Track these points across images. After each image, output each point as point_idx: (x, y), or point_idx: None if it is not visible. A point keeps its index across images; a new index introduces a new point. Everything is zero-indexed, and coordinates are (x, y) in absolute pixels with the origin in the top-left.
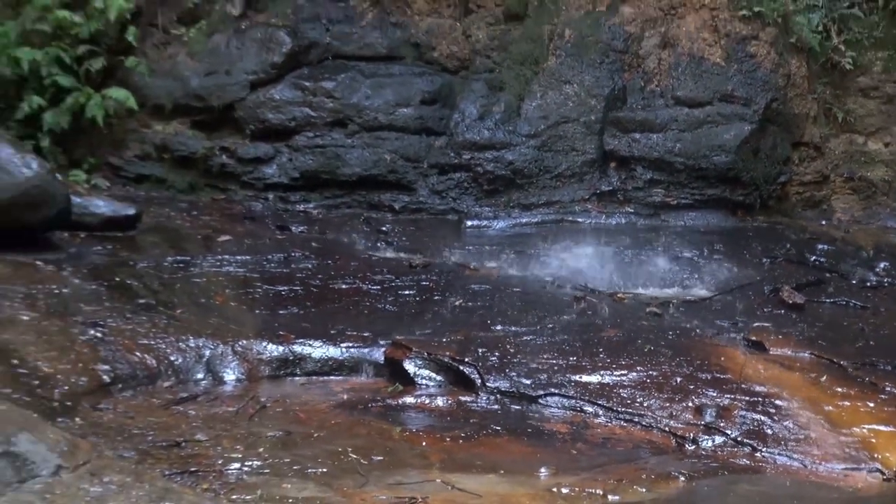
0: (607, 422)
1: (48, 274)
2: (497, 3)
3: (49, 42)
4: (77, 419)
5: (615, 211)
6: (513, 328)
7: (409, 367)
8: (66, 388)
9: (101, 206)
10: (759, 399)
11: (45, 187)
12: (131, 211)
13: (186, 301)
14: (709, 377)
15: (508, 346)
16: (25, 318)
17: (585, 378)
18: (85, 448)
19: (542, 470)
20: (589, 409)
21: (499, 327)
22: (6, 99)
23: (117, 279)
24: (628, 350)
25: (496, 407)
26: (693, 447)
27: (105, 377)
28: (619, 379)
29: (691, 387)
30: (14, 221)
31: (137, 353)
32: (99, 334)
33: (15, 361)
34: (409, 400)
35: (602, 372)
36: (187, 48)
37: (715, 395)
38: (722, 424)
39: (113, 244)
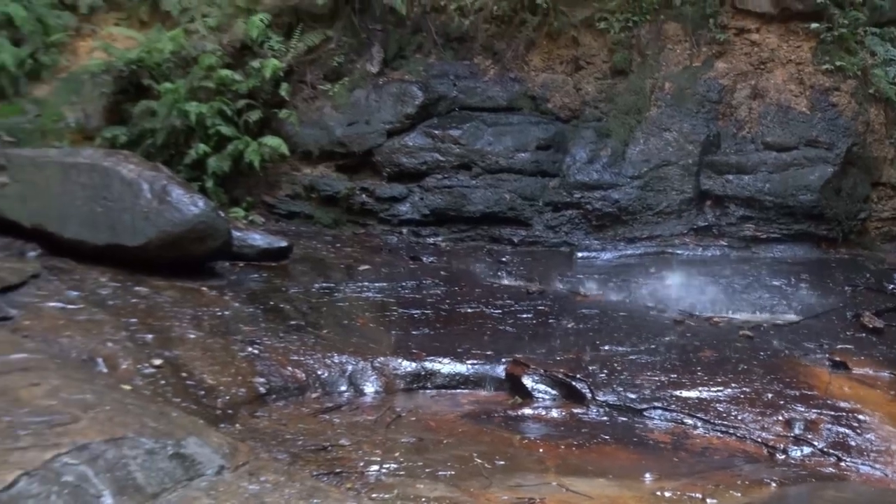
0: (705, 433)
1: (212, 298)
2: (604, 60)
3: (213, 97)
4: (237, 425)
5: (710, 244)
6: (619, 348)
7: (527, 382)
8: (228, 397)
9: (258, 239)
10: (843, 414)
11: (210, 223)
12: (283, 243)
13: (331, 322)
14: (797, 393)
15: (615, 364)
16: (193, 336)
17: (685, 393)
18: (244, 451)
19: (647, 475)
20: (688, 421)
21: (607, 347)
22: (177, 146)
23: (271, 303)
24: (723, 368)
25: (605, 418)
26: (783, 456)
27: (261, 388)
28: (715, 394)
29: (781, 402)
30: (183, 252)
31: (289, 368)
32: (256, 351)
33: (184, 374)
34: (528, 411)
35: (700, 388)
36: (332, 101)
37: (802, 409)
38: (809, 436)
39: (267, 272)
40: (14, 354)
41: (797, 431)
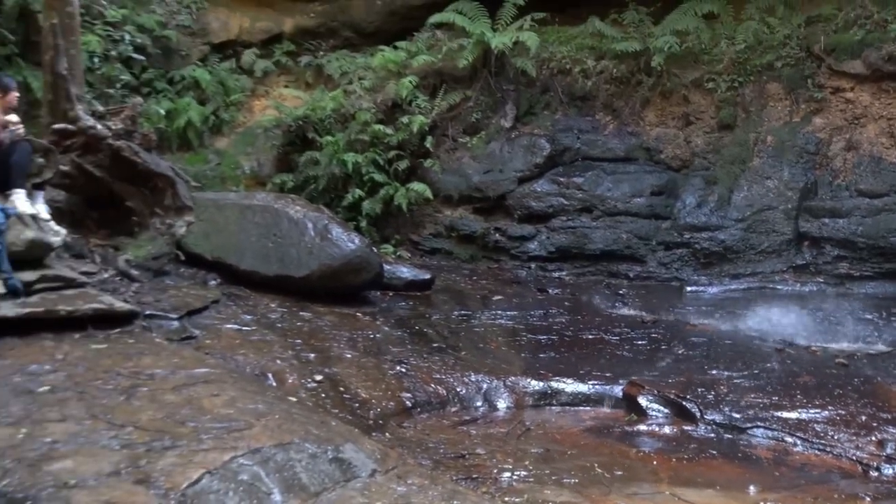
0: (804, 450)
1: (366, 323)
2: (712, 116)
3: (368, 148)
4: (387, 434)
5: (808, 281)
6: (725, 372)
7: (643, 401)
8: (379, 410)
9: (405, 272)
10: None
11: (364, 257)
12: (427, 276)
13: (469, 345)
14: (889, 416)
15: (722, 387)
16: (349, 355)
17: (785, 414)
18: (393, 456)
19: (751, 488)
20: (789, 439)
21: (714, 371)
22: (336, 191)
23: (417, 328)
24: (820, 392)
25: (712, 435)
26: (876, 474)
27: (408, 402)
28: (813, 415)
29: (874, 424)
30: (341, 282)
31: (432, 385)
32: (403, 370)
33: (341, 389)
34: (642, 427)
35: (799, 409)
36: (470, 152)
37: (894, 431)
38: None
39: (413, 301)
40: (198, 369)
41: (889, 451)
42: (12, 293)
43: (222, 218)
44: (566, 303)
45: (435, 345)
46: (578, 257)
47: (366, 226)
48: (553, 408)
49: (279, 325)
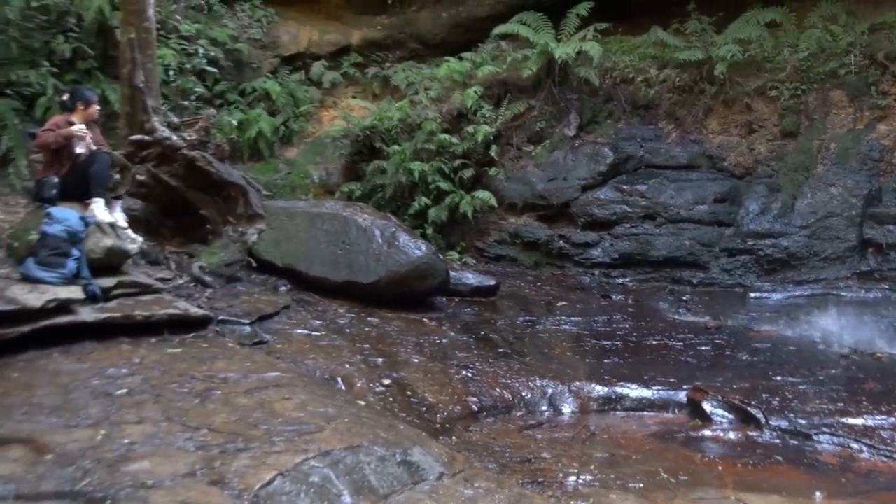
0: (870, 457)
1: (432, 328)
2: (775, 124)
3: (434, 157)
4: (453, 438)
5: (872, 287)
6: (790, 378)
7: (707, 406)
8: (446, 414)
9: (471, 278)
10: None
11: (431, 264)
12: (492, 282)
13: (534, 351)
14: None
15: (786, 393)
16: (416, 360)
17: (851, 420)
18: (460, 460)
19: (817, 493)
20: (854, 445)
21: (778, 378)
22: (403, 199)
23: (482, 333)
24: (887, 399)
25: (777, 441)
26: None
27: (474, 407)
28: (879, 422)
29: None
30: (408, 288)
31: (497, 390)
32: (469, 374)
33: (409, 393)
34: (707, 433)
35: (865, 416)
36: (534, 161)
37: None
38: None
39: (478, 307)
40: (269, 373)
41: None
42: (91, 299)
43: (292, 226)
44: (630, 309)
45: (500, 350)
46: (642, 264)
47: (432, 233)
48: (617, 413)
49: (348, 331)
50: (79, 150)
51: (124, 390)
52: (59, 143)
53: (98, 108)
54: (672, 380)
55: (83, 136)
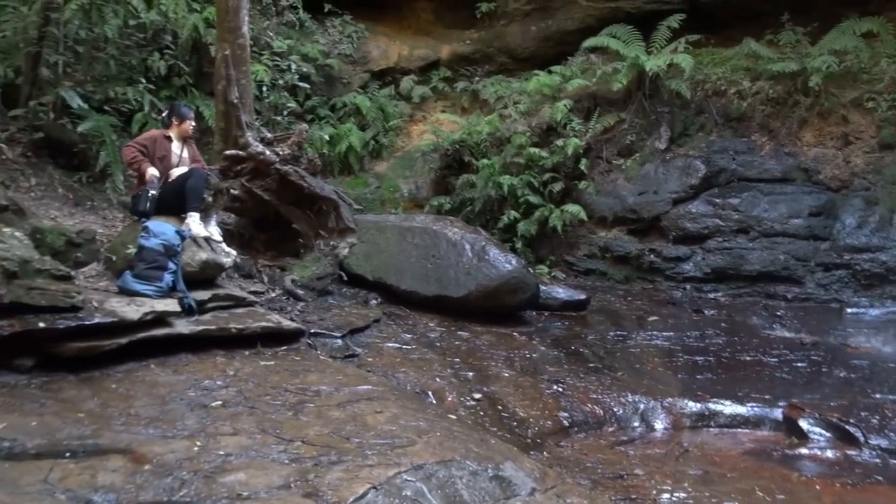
0: None
1: (522, 342)
2: (872, 136)
3: (523, 171)
4: (545, 453)
5: None
6: (889, 396)
7: (803, 424)
8: (536, 428)
9: (560, 292)
10: None
11: (521, 278)
12: (582, 296)
13: (625, 366)
14: None
15: (887, 411)
16: (506, 374)
17: None
18: (552, 475)
19: None
20: None
21: (878, 395)
22: (492, 213)
23: (572, 348)
24: None
25: (877, 461)
26: None
27: (565, 422)
28: None
29: None
30: (498, 302)
31: (588, 405)
32: (560, 389)
33: (499, 407)
34: (803, 451)
35: None
36: (625, 174)
37: None
38: None
39: (568, 321)
40: (361, 386)
41: None
42: (187, 311)
43: (383, 239)
44: (722, 324)
45: (591, 365)
46: (734, 278)
47: (521, 247)
48: (711, 429)
49: (438, 344)
50: (176, 171)
51: (219, 402)
52: (130, 165)
53: (193, 124)
54: (767, 396)
55: (152, 179)
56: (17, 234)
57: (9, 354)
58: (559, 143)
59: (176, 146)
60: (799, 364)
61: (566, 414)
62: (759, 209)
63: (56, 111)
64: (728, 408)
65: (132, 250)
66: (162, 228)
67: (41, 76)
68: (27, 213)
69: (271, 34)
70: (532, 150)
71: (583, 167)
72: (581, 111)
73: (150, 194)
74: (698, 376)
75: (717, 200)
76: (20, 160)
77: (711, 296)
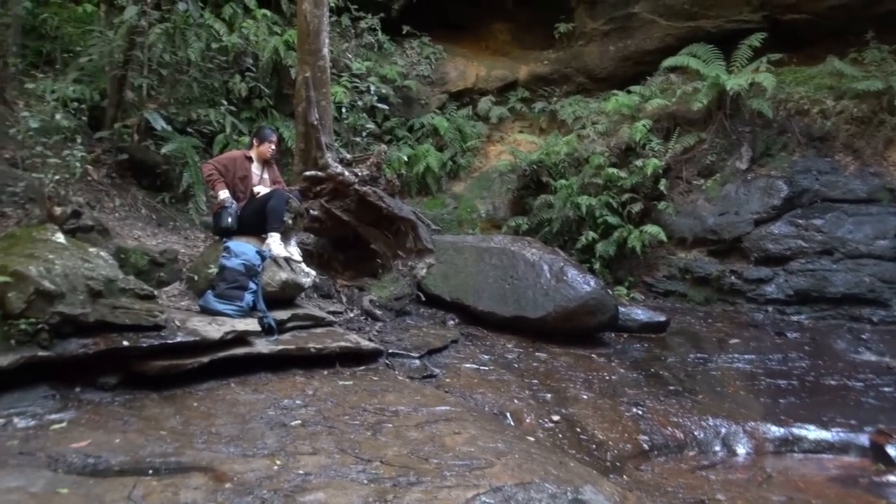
0: None
1: (600, 364)
2: None
3: (601, 191)
4: (624, 476)
5: None
6: None
7: (891, 450)
8: (616, 452)
9: (640, 314)
10: None
11: (600, 299)
12: (662, 318)
13: (705, 389)
14: None
15: None
16: (585, 397)
17: None
18: (632, 499)
19: None
20: None
21: None
22: (570, 233)
23: (652, 370)
24: None
25: None
26: None
27: (644, 445)
28: None
29: None
30: (576, 324)
31: (669, 428)
32: (639, 412)
33: (578, 430)
34: (891, 478)
35: None
36: (705, 195)
37: None
38: None
39: (647, 343)
40: (439, 406)
41: None
42: (267, 331)
43: (461, 260)
44: (806, 347)
45: (671, 387)
46: (818, 301)
47: (599, 268)
48: (795, 455)
49: (516, 366)
50: (257, 188)
51: (298, 421)
52: (206, 181)
53: (272, 147)
54: (853, 422)
55: (223, 202)
56: (102, 253)
57: (94, 372)
58: (638, 163)
59: (256, 167)
60: (885, 389)
61: (646, 437)
62: (844, 230)
63: (140, 133)
64: (812, 433)
65: (214, 270)
66: (243, 249)
67: (126, 99)
68: (112, 233)
69: (350, 56)
70: (611, 170)
71: (662, 187)
72: (660, 131)
73: (233, 209)
74: (781, 400)
75: (800, 221)
76: (105, 181)
77: (794, 318)
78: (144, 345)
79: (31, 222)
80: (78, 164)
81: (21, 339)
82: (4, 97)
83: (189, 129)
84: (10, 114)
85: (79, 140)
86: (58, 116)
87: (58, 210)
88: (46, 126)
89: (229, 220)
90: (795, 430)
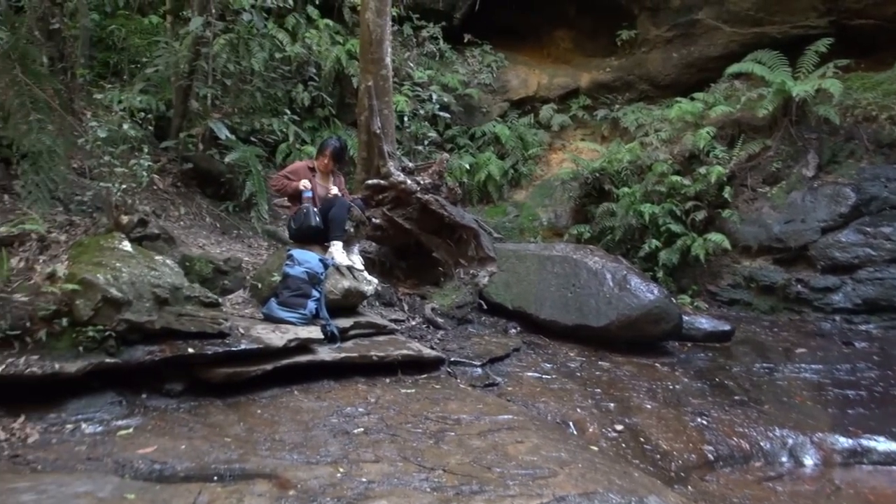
0: None
1: (664, 373)
2: None
3: (664, 199)
4: (689, 487)
5: None
6: None
7: None
8: (680, 462)
9: (704, 322)
10: None
11: (663, 307)
12: (726, 327)
13: (771, 399)
14: None
15: None
16: (648, 406)
17: None
18: None
19: None
20: None
21: None
22: (632, 241)
23: (717, 379)
24: None
25: None
26: None
27: (710, 456)
28: None
29: None
30: (639, 332)
31: (734, 439)
32: (704, 422)
33: (642, 439)
34: None
35: None
36: (770, 202)
37: None
38: None
39: (712, 352)
40: (501, 415)
41: None
42: (330, 339)
43: (523, 268)
44: (875, 357)
45: (736, 397)
46: (887, 310)
47: (662, 276)
48: (864, 466)
49: (578, 374)
50: (334, 190)
51: (361, 429)
52: (279, 192)
53: (324, 160)
54: None
55: (304, 188)
56: (168, 261)
57: (160, 379)
58: (702, 170)
59: (320, 177)
60: None
61: (711, 447)
62: None
63: (204, 142)
64: (882, 444)
65: (277, 278)
66: (306, 257)
67: (191, 109)
68: (177, 241)
69: (412, 65)
70: (674, 178)
71: (726, 195)
72: (724, 138)
73: (313, 209)
74: (849, 411)
75: (869, 229)
76: (170, 190)
77: (862, 328)
78: (209, 352)
79: (99, 231)
80: (144, 174)
81: (89, 345)
82: (73, 108)
83: (252, 139)
84: (78, 124)
85: (145, 150)
86: (125, 126)
87: (125, 219)
88: (114, 136)
89: (317, 218)
90: (864, 442)
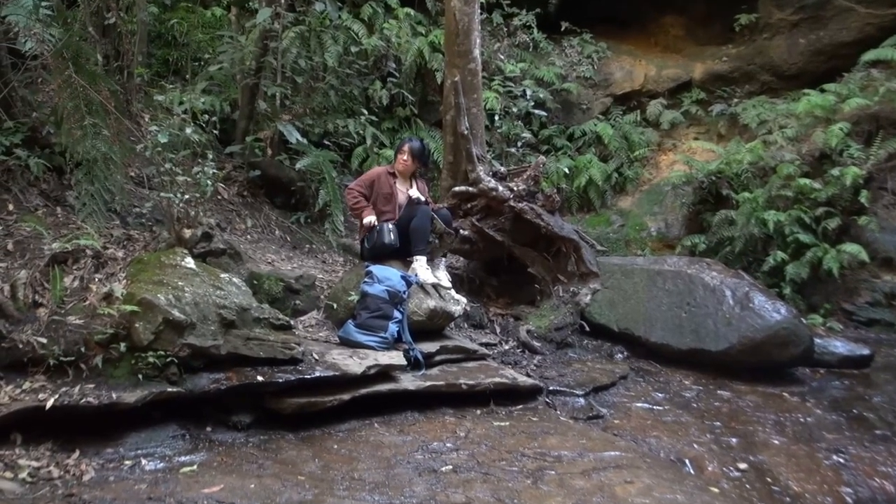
0: None
1: (794, 404)
2: None
3: (791, 205)
4: None
5: None
6: None
7: None
8: None
9: (839, 346)
10: None
11: (792, 329)
12: (865, 351)
13: None
14: None
15: None
16: (776, 441)
17: None
18: None
19: None
20: None
21: None
22: (754, 253)
23: (854, 411)
24: None
25: None
26: None
27: (848, 499)
28: None
29: None
30: (764, 357)
31: (876, 479)
32: (841, 460)
33: (769, 480)
34: None
35: None
36: None
37: None
38: None
39: (849, 380)
40: (607, 452)
41: None
42: (413, 365)
43: (629, 285)
44: None
45: (878, 431)
46: None
47: (790, 293)
48: None
49: (694, 405)
50: (414, 193)
51: (450, 466)
52: (352, 210)
53: (405, 158)
54: None
55: (370, 225)
56: (234, 279)
57: (225, 410)
58: (835, 172)
59: (400, 182)
60: None
61: (849, 489)
62: None
63: (273, 147)
64: None
65: (354, 297)
66: (387, 273)
67: (258, 110)
68: (244, 256)
69: (503, 57)
70: (802, 181)
71: (863, 200)
72: (861, 135)
73: (387, 226)
74: None
75: None
76: (236, 200)
77: None
78: (280, 380)
79: (160, 246)
80: (208, 182)
81: (149, 373)
82: (130, 110)
83: (326, 142)
84: (136, 128)
85: (209, 156)
86: (187, 130)
87: (187, 232)
88: (175, 141)
89: (392, 236)
90: None
